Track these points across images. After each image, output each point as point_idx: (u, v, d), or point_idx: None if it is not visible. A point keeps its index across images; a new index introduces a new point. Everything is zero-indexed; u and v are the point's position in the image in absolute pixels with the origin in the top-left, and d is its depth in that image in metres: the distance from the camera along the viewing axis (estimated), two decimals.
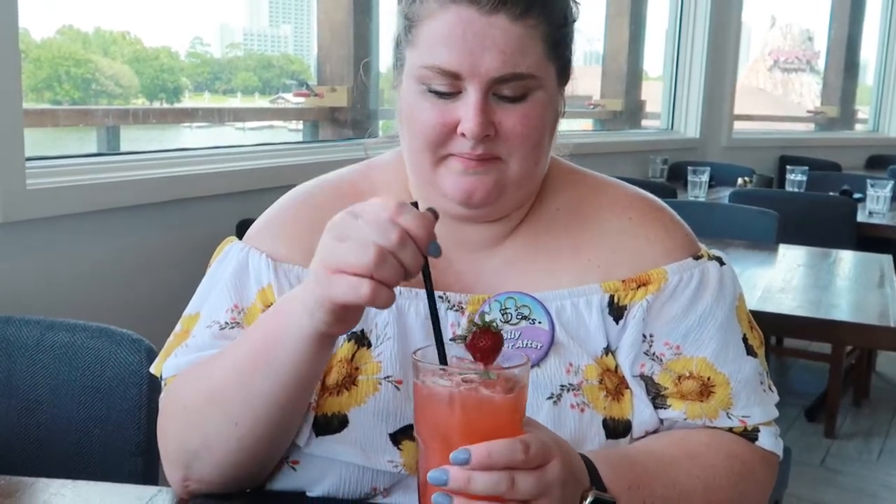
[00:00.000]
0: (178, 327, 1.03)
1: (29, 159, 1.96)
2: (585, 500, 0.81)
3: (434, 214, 0.78)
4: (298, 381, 0.85)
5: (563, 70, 0.96)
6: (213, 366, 0.91)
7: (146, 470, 1.27)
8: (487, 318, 0.78)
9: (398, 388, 0.93)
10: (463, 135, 0.90)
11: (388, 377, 0.94)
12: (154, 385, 1.27)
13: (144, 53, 3.77)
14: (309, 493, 0.94)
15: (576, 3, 0.97)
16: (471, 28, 0.87)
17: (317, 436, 0.92)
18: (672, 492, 0.91)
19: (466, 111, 0.89)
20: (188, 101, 3.99)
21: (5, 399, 1.32)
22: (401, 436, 0.91)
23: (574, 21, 0.96)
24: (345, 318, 0.80)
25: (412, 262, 0.75)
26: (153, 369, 1.04)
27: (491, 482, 0.72)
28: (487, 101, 0.89)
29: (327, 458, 0.92)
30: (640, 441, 0.96)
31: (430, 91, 0.91)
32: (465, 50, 0.87)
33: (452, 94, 0.90)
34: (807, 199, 3.91)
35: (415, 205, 0.77)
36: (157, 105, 3.84)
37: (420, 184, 0.99)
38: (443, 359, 0.78)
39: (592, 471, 0.84)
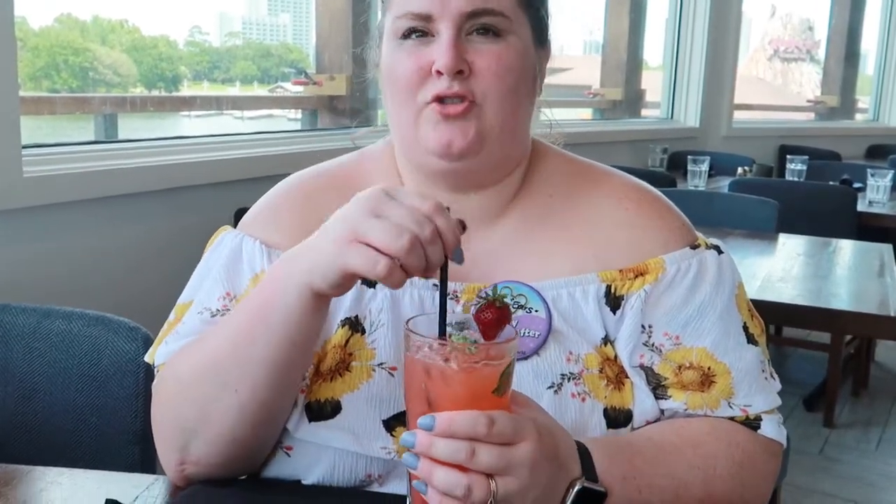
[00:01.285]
0: (171, 315, 1.03)
1: (26, 147, 1.95)
2: (573, 488, 0.81)
3: (462, 226, 0.80)
4: (294, 344, 0.86)
5: (539, 30, 0.99)
6: (208, 339, 0.92)
7: (143, 458, 1.27)
8: (499, 292, 0.79)
9: (392, 375, 0.93)
10: (438, 72, 0.91)
11: (381, 364, 0.93)
12: (151, 374, 1.27)
13: (143, 42, 3.75)
14: (303, 481, 0.94)
15: None
16: None
17: (310, 421, 0.92)
18: (670, 482, 0.90)
19: (440, 49, 0.92)
20: (187, 90, 3.98)
21: (1, 387, 1.31)
22: (394, 422, 0.91)
23: None
24: (344, 283, 0.81)
25: (436, 260, 0.78)
26: (147, 358, 1.04)
27: (450, 450, 0.73)
28: (460, 39, 0.92)
29: (321, 444, 0.92)
30: (642, 429, 0.96)
31: (405, 38, 0.94)
32: None
33: (427, 36, 0.93)
34: (807, 188, 3.90)
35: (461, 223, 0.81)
36: (155, 93, 3.83)
37: (404, 146, 1.00)
38: (442, 331, 0.79)
39: (587, 459, 0.83)
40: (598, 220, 1.01)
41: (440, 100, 0.92)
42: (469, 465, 0.73)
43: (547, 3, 1.01)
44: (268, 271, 0.92)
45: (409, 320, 0.79)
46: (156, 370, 1.00)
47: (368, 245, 0.77)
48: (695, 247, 1.01)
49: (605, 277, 0.97)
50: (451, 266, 0.98)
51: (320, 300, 0.83)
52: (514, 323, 0.94)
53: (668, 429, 0.96)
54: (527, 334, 0.94)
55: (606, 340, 0.96)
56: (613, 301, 0.97)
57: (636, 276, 0.97)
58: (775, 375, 1.02)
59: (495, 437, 0.74)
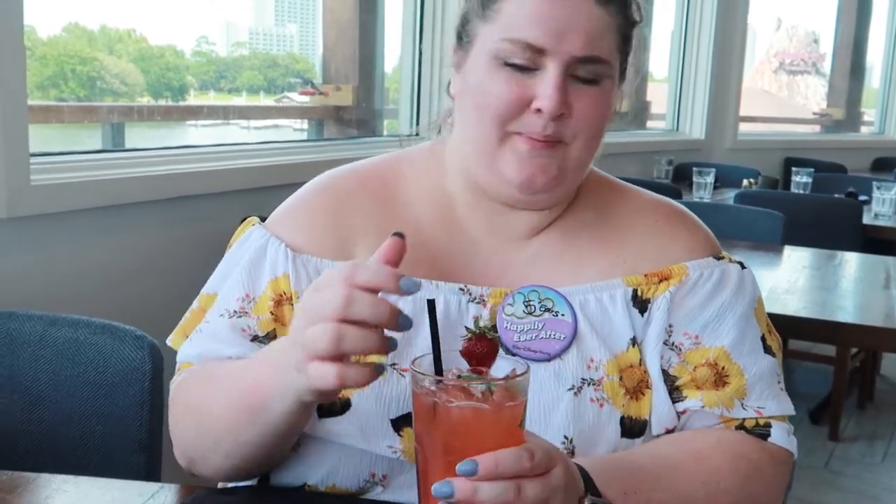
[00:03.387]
0: (195, 304, 1.04)
1: (33, 155, 1.96)
2: None
3: (400, 235, 0.77)
4: (283, 434, 0.88)
5: (623, 68, 0.99)
6: (210, 395, 0.93)
7: (148, 466, 1.27)
8: (482, 324, 0.78)
9: (403, 376, 0.93)
10: (538, 111, 0.91)
11: (393, 364, 0.94)
12: (157, 383, 1.27)
13: (150, 52, 3.77)
14: (308, 478, 0.94)
15: (641, 9, 0.99)
16: (560, 7, 0.90)
17: (319, 417, 0.92)
18: (673, 497, 0.90)
19: (545, 87, 0.90)
20: (193, 100, 3.99)
21: (8, 394, 1.32)
22: (402, 422, 0.91)
23: (639, 24, 0.99)
24: (327, 395, 0.81)
25: (373, 313, 0.73)
26: (169, 341, 1.05)
27: (499, 491, 0.71)
28: (566, 80, 0.91)
29: (327, 440, 0.93)
30: (644, 445, 0.96)
31: (508, 65, 0.92)
32: (553, 27, 0.89)
33: (530, 69, 0.91)
34: (812, 200, 3.89)
35: (399, 234, 0.77)
36: (162, 103, 3.84)
37: (477, 163, 0.98)
38: (438, 370, 0.76)
39: (587, 477, 0.83)
40: (629, 231, 1.03)
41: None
42: (518, 502, 0.72)
43: (633, 37, 0.99)
44: (258, 367, 0.88)
45: (414, 361, 0.76)
46: (177, 366, 1.02)
47: (314, 359, 0.74)
48: (719, 258, 1.03)
49: (631, 282, 0.99)
50: (480, 264, 0.99)
51: (311, 404, 0.83)
52: (539, 325, 0.94)
53: (672, 444, 0.96)
54: (552, 337, 0.95)
55: (634, 342, 0.97)
56: (640, 304, 0.99)
57: (661, 280, 0.99)
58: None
59: (536, 469, 0.73)
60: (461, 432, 0.73)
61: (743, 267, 1.04)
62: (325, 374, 0.74)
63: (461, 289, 0.97)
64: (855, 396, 3.80)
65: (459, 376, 0.77)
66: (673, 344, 0.98)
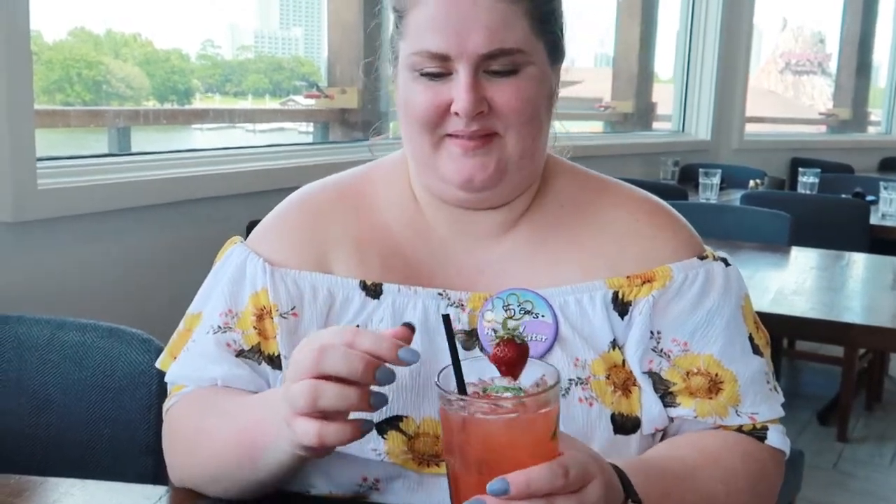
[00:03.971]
0: (181, 325, 1.05)
1: (40, 159, 1.96)
2: None
3: (410, 328, 0.79)
4: (279, 478, 0.88)
5: (554, 47, 0.97)
6: (206, 432, 0.93)
7: (155, 469, 1.27)
8: (510, 326, 0.76)
9: None
10: (457, 114, 0.91)
11: None
12: (164, 386, 1.27)
13: (155, 55, 3.78)
14: (308, 487, 0.95)
15: None
16: (455, 9, 0.89)
17: None
18: (698, 497, 0.90)
19: (458, 90, 0.90)
20: (199, 103, 4.00)
21: (15, 398, 1.32)
22: (386, 426, 0.91)
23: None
24: (316, 451, 0.80)
25: (345, 365, 0.74)
26: (159, 364, 1.06)
27: None
28: (478, 78, 0.91)
29: None
30: (662, 446, 0.96)
31: (422, 75, 0.92)
32: (452, 31, 0.89)
33: (444, 75, 0.92)
34: (819, 201, 3.88)
35: (409, 325, 0.79)
36: (167, 106, 3.85)
37: (421, 171, 1.00)
38: (460, 385, 0.75)
39: (625, 481, 0.81)
40: (609, 230, 1.01)
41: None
42: None
43: (560, 15, 0.98)
44: (257, 411, 0.89)
45: (439, 375, 0.74)
46: (169, 387, 1.03)
47: (298, 416, 0.76)
48: (702, 258, 1.02)
49: (613, 284, 0.98)
50: (454, 268, 0.98)
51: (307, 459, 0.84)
52: (520, 329, 0.93)
53: (688, 445, 0.96)
54: (534, 339, 0.95)
55: (615, 345, 0.97)
56: (621, 307, 0.97)
57: (643, 283, 0.98)
58: (779, 389, 1.02)
59: (572, 486, 0.70)
60: (492, 446, 0.71)
61: (727, 264, 1.03)
62: (307, 431, 0.76)
63: (439, 293, 0.97)
64: (863, 397, 3.79)
65: (485, 389, 0.74)
66: (661, 350, 0.97)
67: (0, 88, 1.81)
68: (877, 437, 3.47)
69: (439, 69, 0.91)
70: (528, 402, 0.71)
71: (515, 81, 0.92)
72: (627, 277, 0.98)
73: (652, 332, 0.97)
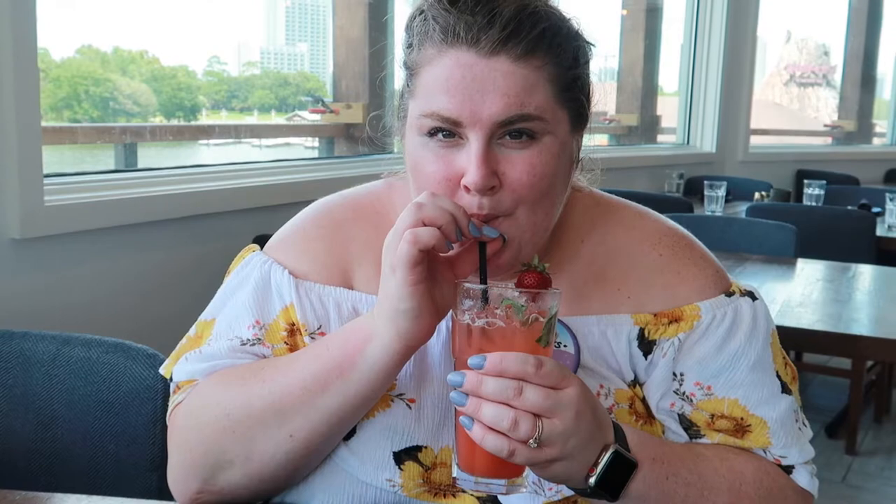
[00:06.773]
0: (192, 331, 1.03)
1: (47, 176, 1.97)
2: (606, 452, 0.81)
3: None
4: (365, 398, 0.88)
5: (578, 114, 0.91)
6: (267, 381, 0.90)
7: (160, 485, 1.27)
8: (535, 262, 0.82)
9: (409, 407, 0.93)
10: (467, 188, 0.85)
11: (401, 395, 0.93)
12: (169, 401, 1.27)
13: (162, 72, 3.80)
14: None
15: (588, 43, 0.92)
16: (470, 72, 0.84)
17: None
18: (695, 479, 0.90)
19: (469, 162, 0.85)
20: (205, 119, 4.01)
21: (21, 413, 1.32)
22: (405, 456, 0.91)
23: (587, 62, 0.92)
24: (419, 314, 0.82)
25: (441, 215, 0.81)
26: (162, 370, 1.03)
27: (499, 387, 0.76)
28: (490, 149, 0.85)
29: (330, 464, 0.92)
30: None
31: (431, 137, 0.87)
32: (465, 95, 0.84)
33: (456, 140, 0.86)
34: (825, 213, 3.88)
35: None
36: (174, 123, 3.87)
37: None
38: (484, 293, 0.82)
39: (620, 433, 0.84)
40: (632, 264, 0.99)
41: None
42: (516, 403, 0.75)
43: (587, 81, 0.92)
44: (352, 326, 0.90)
45: (459, 282, 0.82)
46: (173, 386, 1.00)
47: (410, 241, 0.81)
48: (730, 294, 0.99)
49: (639, 321, 0.96)
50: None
51: (400, 355, 0.85)
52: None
53: (700, 444, 0.96)
54: None
55: (636, 383, 0.96)
56: (646, 345, 0.96)
57: (671, 322, 0.96)
58: (807, 423, 1.02)
59: (543, 379, 0.76)
60: (491, 338, 0.79)
61: (754, 298, 1.00)
62: (406, 238, 0.80)
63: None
64: (871, 410, 3.77)
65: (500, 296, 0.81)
66: (684, 394, 0.96)
67: (7, 106, 1.83)
68: (886, 449, 3.44)
69: (449, 130, 0.86)
70: (527, 307, 0.79)
71: (530, 155, 0.86)
72: (655, 315, 0.96)
73: (675, 374, 0.96)
